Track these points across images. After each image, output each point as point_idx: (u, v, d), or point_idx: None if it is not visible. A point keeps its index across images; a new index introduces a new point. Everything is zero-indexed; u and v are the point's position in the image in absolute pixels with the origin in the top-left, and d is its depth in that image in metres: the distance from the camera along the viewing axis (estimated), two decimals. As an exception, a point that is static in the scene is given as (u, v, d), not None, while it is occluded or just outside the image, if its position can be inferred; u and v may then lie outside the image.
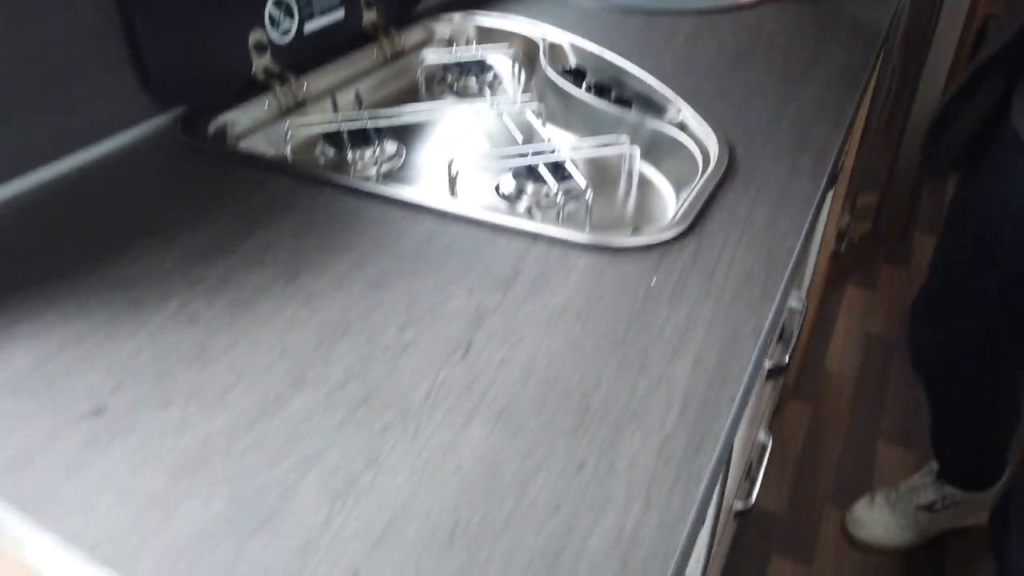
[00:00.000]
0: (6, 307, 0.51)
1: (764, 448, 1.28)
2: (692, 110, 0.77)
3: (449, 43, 1.06)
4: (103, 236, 0.59)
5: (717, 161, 0.68)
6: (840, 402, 1.76)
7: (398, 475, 0.39)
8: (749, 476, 1.25)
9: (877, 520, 1.42)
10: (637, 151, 0.72)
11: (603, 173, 0.76)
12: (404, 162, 0.80)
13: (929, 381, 1.29)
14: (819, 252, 1.44)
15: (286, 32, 0.85)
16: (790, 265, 0.55)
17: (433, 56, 0.96)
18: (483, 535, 0.36)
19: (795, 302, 1.15)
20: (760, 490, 1.53)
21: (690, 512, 0.37)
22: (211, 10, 0.76)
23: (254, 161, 0.70)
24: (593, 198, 0.72)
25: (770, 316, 0.50)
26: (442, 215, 0.61)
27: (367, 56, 0.95)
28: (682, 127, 0.75)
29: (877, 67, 1.23)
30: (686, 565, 0.35)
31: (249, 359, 0.47)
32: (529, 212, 0.70)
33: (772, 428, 1.67)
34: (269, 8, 0.82)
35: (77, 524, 0.37)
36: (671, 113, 0.78)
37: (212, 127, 0.75)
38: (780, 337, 1.10)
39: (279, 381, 0.45)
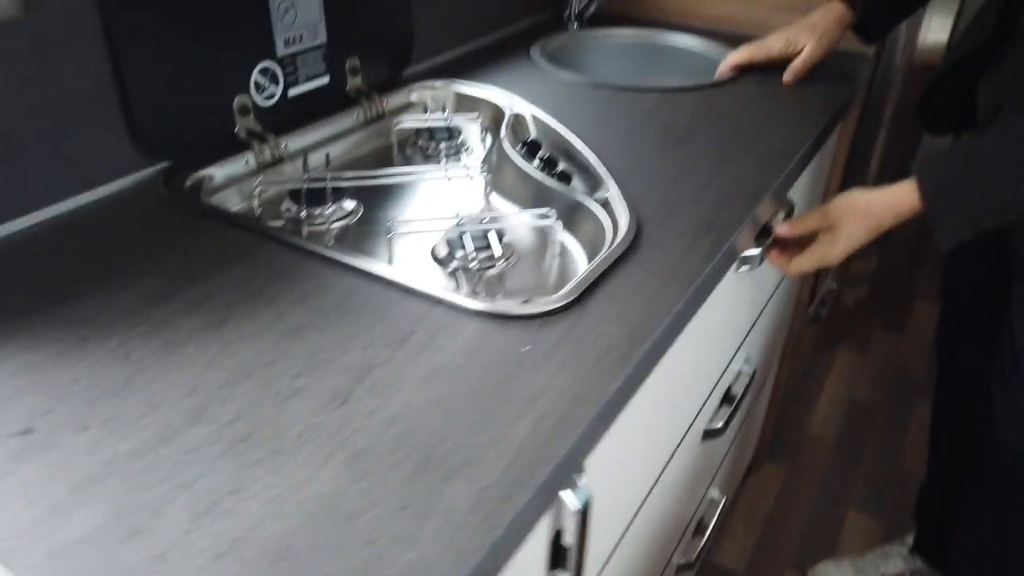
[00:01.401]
0: (-25, 335, 0.61)
1: (715, 504, 1.33)
2: (617, 189, 0.85)
3: (430, 109, 1.15)
4: (72, 278, 0.68)
5: (623, 238, 0.75)
6: (815, 466, 1.78)
7: (253, 504, 0.47)
8: (699, 531, 1.30)
9: (837, 582, 1.45)
10: (559, 225, 0.80)
11: (533, 239, 0.84)
12: (359, 220, 0.89)
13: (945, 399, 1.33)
14: (782, 318, 1.49)
15: (270, 97, 0.96)
16: (652, 338, 0.62)
17: (406, 121, 1.06)
18: (308, 559, 0.44)
19: (743, 364, 1.21)
20: (722, 548, 1.57)
21: (480, 552, 0.44)
22: (199, 78, 0.86)
23: (219, 215, 0.80)
24: (518, 263, 0.80)
25: (618, 383, 0.58)
26: (364, 274, 0.70)
27: (349, 117, 1.05)
28: (605, 204, 0.83)
29: (825, 141, 1.30)
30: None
31: (164, 394, 0.56)
32: (455, 275, 0.78)
33: (743, 488, 1.71)
34: (255, 76, 0.93)
35: (-11, 522, 0.45)
36: (601, 190, 0.86)
37: (190, 181, 0.85)
38: (725, 399, 1.16)
39: (182, 415, 0.54)
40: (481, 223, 0.80)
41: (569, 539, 0.60)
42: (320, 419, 0.54)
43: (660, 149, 0.96)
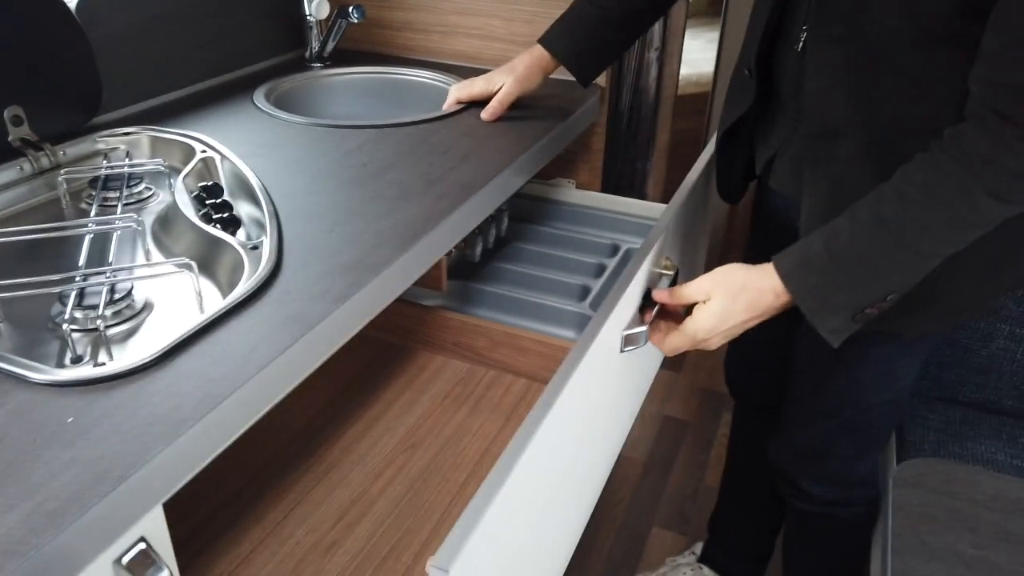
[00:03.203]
0: None
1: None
2: (275, 234, 0.79)
3: (119, 157, 1.07)
4: None
5: (248, 286, 0.70)
6: (624, 487, 1.78)
7: None
8: None
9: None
10: (196, 276, 0.74)
11: (175, 291, 0.77)
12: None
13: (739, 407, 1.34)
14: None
15: None
16: (227, 396, 0.57)
17: (75, 170, 0.98)
18: None
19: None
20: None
21: None
22: None
23: None
24: (150, 318, 0.73)
25: (159, 455, 0.51)
26: (-79, 351, 0.61)
27: (12, 170, 0.95)
28: (255, 249, 0.77)
29: (533, 169, 1.30)
30: None
31: None
32: (67, 337, 0.70)
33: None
34: None
35: None
36: (260, 236, 0.81)
37: None
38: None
39: None
40: (106, 277, 0.72)
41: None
42: None
43: (345, 190, 0.92)
